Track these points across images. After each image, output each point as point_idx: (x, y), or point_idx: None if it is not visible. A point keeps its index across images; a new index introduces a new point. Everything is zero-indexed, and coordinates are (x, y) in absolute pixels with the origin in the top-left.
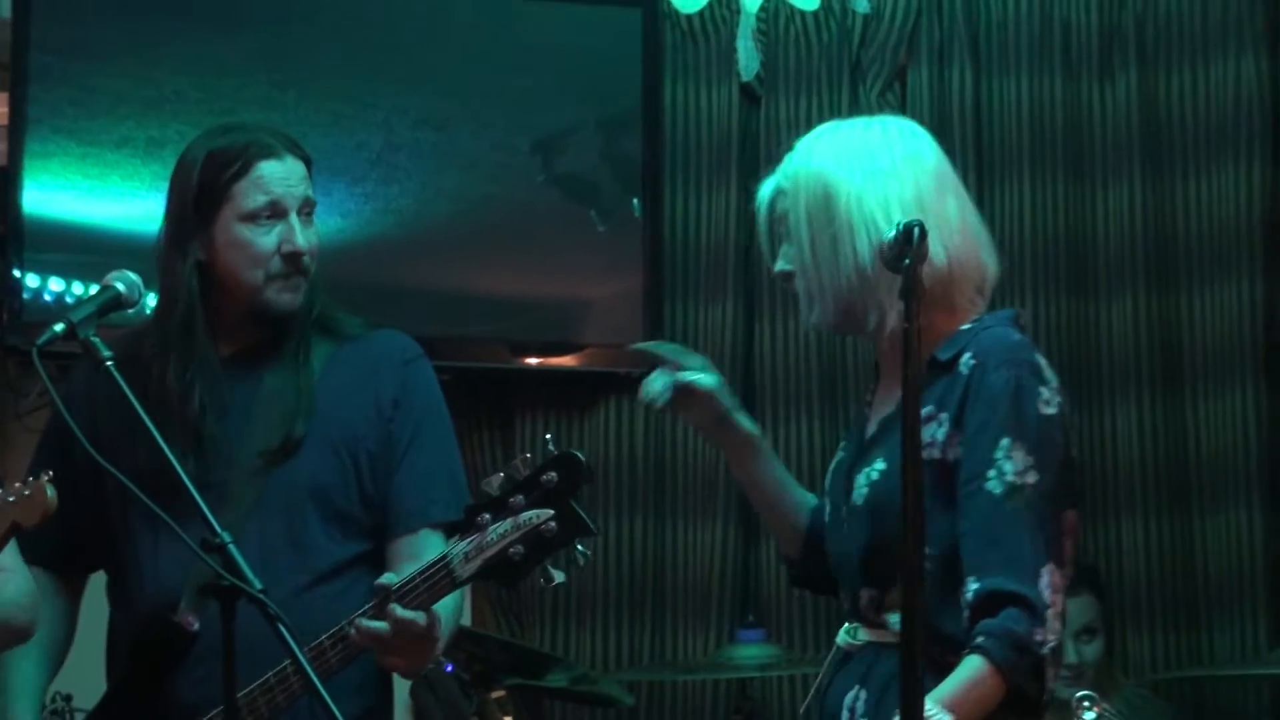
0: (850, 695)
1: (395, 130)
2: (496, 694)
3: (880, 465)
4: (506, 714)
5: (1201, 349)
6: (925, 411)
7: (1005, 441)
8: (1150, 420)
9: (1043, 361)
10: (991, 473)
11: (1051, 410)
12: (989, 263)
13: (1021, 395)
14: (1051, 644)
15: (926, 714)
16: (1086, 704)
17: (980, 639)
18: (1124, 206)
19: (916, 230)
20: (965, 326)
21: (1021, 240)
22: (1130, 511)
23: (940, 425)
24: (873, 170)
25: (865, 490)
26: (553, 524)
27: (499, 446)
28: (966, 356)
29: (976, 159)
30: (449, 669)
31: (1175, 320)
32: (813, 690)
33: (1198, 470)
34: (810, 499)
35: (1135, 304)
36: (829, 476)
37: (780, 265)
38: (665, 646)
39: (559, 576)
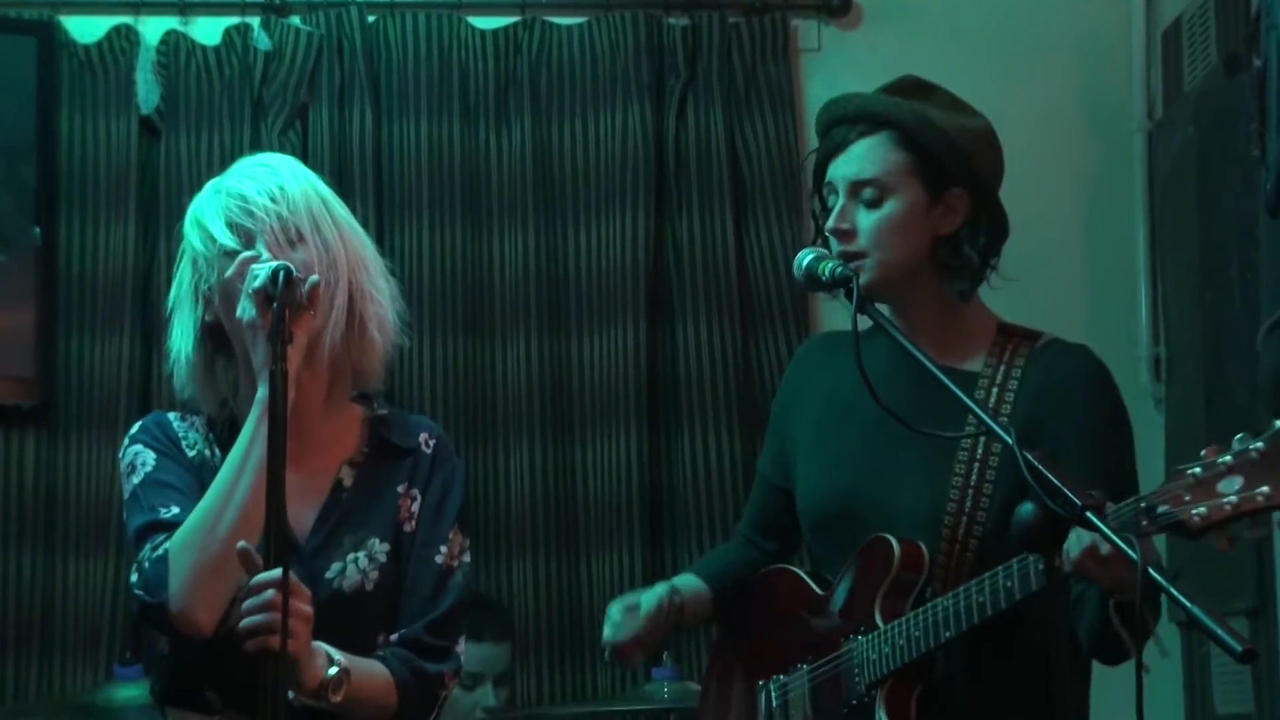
0: None
1: None
2: None
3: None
4: None
5: (590, 392)
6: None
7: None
8: (542, 461)
9: None
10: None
11: None
12: None
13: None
14: None
15: None
16: None
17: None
18: (519, 251)
19: (283, 273)
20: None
21: (420, 281)
22: (521, 552)
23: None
24: None
25: None
26: None
27: None
28: (424, 436)
29: (376, 200)
30: None
31: (566, 363)
32: None
33: (585, 511)
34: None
35: (529, 346)
36: None
37: None
38: (53, 682)
39: None
